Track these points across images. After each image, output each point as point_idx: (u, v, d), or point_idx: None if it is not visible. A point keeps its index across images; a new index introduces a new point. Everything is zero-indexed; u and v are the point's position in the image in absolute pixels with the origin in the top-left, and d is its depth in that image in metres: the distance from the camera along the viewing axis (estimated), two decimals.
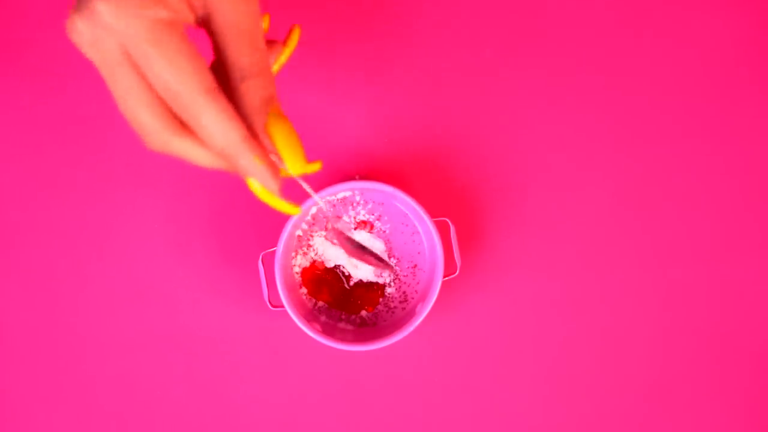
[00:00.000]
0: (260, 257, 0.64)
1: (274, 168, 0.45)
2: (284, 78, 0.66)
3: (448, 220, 0.64)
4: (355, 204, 0.66)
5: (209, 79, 0.43)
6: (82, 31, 0.42)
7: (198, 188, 0.67)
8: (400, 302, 0.66)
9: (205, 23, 0.44)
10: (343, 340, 0.62)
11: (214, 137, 0.43)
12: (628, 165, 0.68)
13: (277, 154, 0.45)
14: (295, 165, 0.46)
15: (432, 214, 0.64)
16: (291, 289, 0.64)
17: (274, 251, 0.63)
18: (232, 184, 0.67)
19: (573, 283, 0.68)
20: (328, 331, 0.64)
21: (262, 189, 0.46)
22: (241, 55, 0.44)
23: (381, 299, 0.66)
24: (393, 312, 0.66)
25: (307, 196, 0.60)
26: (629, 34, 0.67)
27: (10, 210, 0.66)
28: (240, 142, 0.44)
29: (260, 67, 0.45)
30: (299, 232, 0.66)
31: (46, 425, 0.66)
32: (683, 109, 0.68)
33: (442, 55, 0.68)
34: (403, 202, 0.63)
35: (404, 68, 0.68)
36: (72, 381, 0.66)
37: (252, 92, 0.45)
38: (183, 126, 0.44)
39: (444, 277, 0.63)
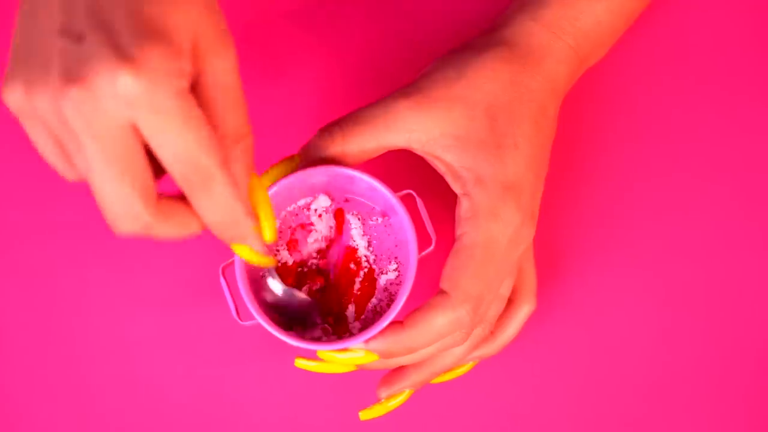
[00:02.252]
0: (221, 269, 0.60)
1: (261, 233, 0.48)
2: None
3: (412, 192, 0.60)
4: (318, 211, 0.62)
5: (222, 150, 0.43)
6: (78, 103, 0.40)
7: None
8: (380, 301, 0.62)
9: (192, 87, 0.44)
10: (326, 341, 0.59)
11: (220, 209, 0.44)
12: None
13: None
14: (269, 232, 0.48)
15: (394, 189, 0.60)
16: (259, 299, 0.60)
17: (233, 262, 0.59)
18: None
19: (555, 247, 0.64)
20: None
21: (249, 251, 0.48)
22: (231, 117, 0.45)
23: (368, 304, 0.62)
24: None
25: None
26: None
27: (10, 210, 0.68)
28: (243, 211, 0.45)
29: (247, 128, 0.46)
30: None
31: (45, 426, 0.67)
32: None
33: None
34: (364, 188, 0.59)
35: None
36: (68, 382, 0.67)
37: (242, 156, 0.45)
38: (164, 206, 0.44)
39: (420, 252, 0.58)
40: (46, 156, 0.45)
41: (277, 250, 0.62)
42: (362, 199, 0.62)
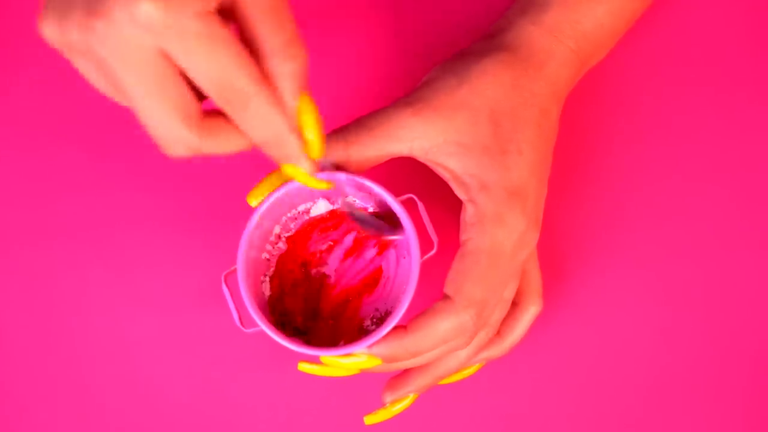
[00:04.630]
0: (223, 277, 0.60)
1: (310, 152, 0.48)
2: None
3: (414, 196, 0.60)
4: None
5: (257, 67, 0.44)
6: (104, 35, 0.41)
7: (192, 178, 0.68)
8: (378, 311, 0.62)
9: (227, 7, 0.44)
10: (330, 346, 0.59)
11: (262, 127, 0.45)
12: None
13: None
14: (315, 149, 0.48)
15: (395, 194, 0.60)
16: (262, 305, 0.60)
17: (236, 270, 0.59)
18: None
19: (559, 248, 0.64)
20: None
21: (298, 171, 0.49)
22: (274, 35, 0.44)
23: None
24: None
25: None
26: None
27: (11, 210, 0.68)
28: (287, 132, 0.46)
29: (296, 44, 0.45)
30: (266, 255, 0.62)
31: (45, 426, 0.67)
32: None
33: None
34: (365, 193, 0.60)
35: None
36: (67, 383, 0.67)
37: (290, 73, 0.45)
38: (209, 125, 0.45)
39: (422, 256, 0.58)
40: (96, 86, 0.46)
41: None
42: (364, 203, 0.62)
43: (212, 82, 0.43)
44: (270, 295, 0.62)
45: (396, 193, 0.59)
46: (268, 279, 0.62)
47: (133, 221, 0.68)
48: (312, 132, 0.48)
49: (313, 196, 0.62)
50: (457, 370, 0.60)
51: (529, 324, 0.61)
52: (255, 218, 0.58)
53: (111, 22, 0.41)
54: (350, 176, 0.58)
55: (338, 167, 0.58)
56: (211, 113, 0.46)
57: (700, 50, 0.69)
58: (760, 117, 0.68)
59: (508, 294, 0.59)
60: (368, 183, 0.58)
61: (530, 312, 0.61)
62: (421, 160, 0.58)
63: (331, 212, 0.63)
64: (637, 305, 0.66)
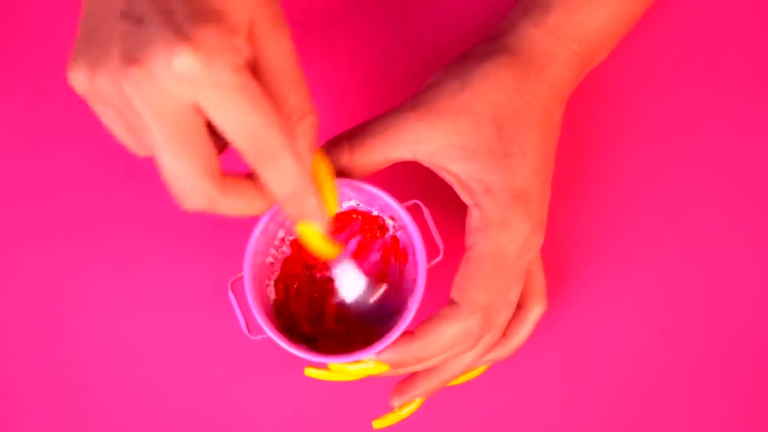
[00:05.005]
0: (229, 284, 0.60)
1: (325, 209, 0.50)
2: None
3: (419, 202, 0.60)
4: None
5: (285, 123, 0.46)
6: (138, 84, 0.42)
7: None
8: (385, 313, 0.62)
9: (250, 64, 0.45)
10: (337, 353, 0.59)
11: (287, 182, 0.46)
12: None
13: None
14: (332, 208, 0.50)
15: (400, 200, 0.60)
16: (268, 309, 0.60)
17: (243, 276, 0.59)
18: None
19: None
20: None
21: (312, 232, 0.50)
22: (293, 96, 0.46)
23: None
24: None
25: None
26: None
27: (10, 210, 0.68)
28: (309, 187, 0.47)
29: (310, 106, 0.47)
30: (270, 260, 0.62)
31: (45, 427, 0.67)
32: None
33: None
34: (371, 199, 0.60)
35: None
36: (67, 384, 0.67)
37: (305, 133, 0.47)
38: (229, 183, 0.46)
39: (428, 262, 0.59)
40: (116, 134, 0.47)
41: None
42: (368, 207, 0.62)
43: (245, 136, 0.44)
44: (275, 300, 0.62)
45: (401, 199, 0.59)
46: (272, 283, 0.62)
47: (135, 223, 0.68)
48: (328, 189, 0.50)
49: None
50: (464, 373, 0.61)
51: (535, 324, 0.61)
52: (261, 225, 0.58)
53: (149, 70, 0.42)
54: (356, 182, 0.58)
55: (342, 173, 0.58)
56: (231, 174, 0.47)
57: (701, 51, 0.69)
58: (761, 118, 0.68)
59: (513, 296, 0.59)
60: (374, 190, 0.58)
61: (535, 312, 0.61)
62: (425, 164, 0.58)
63: (335, 216, 0.63)
64: (639, 306, 0.67)
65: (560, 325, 0.66)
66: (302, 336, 0.62)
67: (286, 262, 0.63)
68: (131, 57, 0.42)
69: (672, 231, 0.67)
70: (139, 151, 0.47)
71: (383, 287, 0.62)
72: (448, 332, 0.55)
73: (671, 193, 0.67)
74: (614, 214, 0.67)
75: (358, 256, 0.63)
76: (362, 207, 0.62)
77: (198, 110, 0.43)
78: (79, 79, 0.45)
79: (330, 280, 0.63)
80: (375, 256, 0.63)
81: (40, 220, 0.69)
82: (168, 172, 0.44)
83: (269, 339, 0.58)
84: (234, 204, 0.47)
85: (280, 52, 0.46)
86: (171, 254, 0.68)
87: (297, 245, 0.63)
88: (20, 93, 0.69)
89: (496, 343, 0.61)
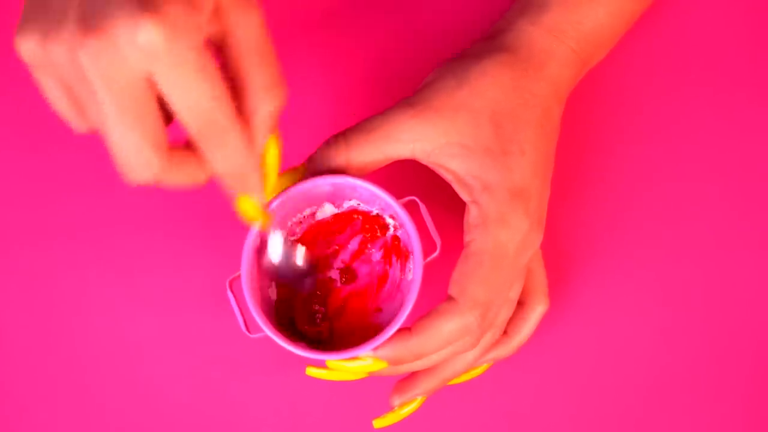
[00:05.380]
0: (227, 283, 0.60)
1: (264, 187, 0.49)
2: None
3: (416, 198, 0.60)
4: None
5: (234, 103, 0.45)
6: (96, 54, 0.41)
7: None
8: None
9: (216, 41, 0.46)
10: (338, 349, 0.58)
11: (230, 161, 0.45)
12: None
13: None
14: (270, 191, 0.50)
15: (396, 196, 0.60)
16: (269, 310, 0.60)
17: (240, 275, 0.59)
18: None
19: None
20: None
21: (252, 205, 0.49)
22: (260, 73, 0.46)
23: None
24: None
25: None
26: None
27: (10, 210, 0.69)
28: (253, 168, 0.47)
29: (277, 85, 0.46)
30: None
31: (45, 427, 0.67)
32: None
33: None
34: (367, 196, 0.60)
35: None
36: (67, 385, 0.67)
37: (267, 113, 0.47)
38: (174, 155, 0.45)
39: (425, 258, 0.59)
40: (57, 107, 0.46)
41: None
42: (368, 207, 0.62)
43: (194, 114, 0.43)
44: (276, 300, 0.62)
45: (398, 195, 0.59)
46: (274, 284, 0.63)
47: (135, 222, 0.69)
48: (272, 172, 0.50)
49: (318, 200, 0.62)
50: (465, 372, 0.61)
51: (537, 323, 0.61)
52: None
53: (110, 41, 0.41)
54: (351, 179, 0.58)
55: (340, 171, 0.58)
56: (176, 146, 0.47)
57: (701, 51, 0.69)
58: (761, 118, 0.68)
59: (514, 294, 0.59)
60: (370, 186, 0.58)
61: (537, 311, 0.61)
62: (424, 162, 0.58)
63: (336, 216, 0.63)
64: (640, 305, 0.66)
65: (561, 324, 0.66)
66: (302, 335, 0.62)
67: None
68: (91, 25, 0.41)
69: (672, 230, 0.67)
70: (81, 125, 0.46)
71: (302, 248, 0.62)
72: (445, 328, 0.55)
73: (671, 192, 0.67)
74: (614, 213, 0.67)
75: (359, 256, 0.63)
76: (363, 207, 0.62)
77: (151, 83, 0.42)
78: (28, 46, 0.43)
79: (331, 280, 0.63)
80: (376, 256, 0.63)
81: (40, 220, 0.69)
82: (117, 145, 0.44)
83: (269, 338, 0.58)
84: (177, 176, 0.46)
85: (247, 28, 0.45)
86: (170, 253, 0.68)
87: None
88: (20, 93, 0.70)
89: (498, 342, 0.61)
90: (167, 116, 0.47)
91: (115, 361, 0.68)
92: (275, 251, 0.60)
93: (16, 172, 0.69)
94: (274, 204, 0.58)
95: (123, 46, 0.41)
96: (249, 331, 0.60)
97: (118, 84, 0.42)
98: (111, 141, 0.44)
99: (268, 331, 0.57)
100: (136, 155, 0.44)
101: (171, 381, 0.67)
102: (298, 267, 0.61)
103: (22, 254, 0.69)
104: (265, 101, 0.46)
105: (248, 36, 0.45)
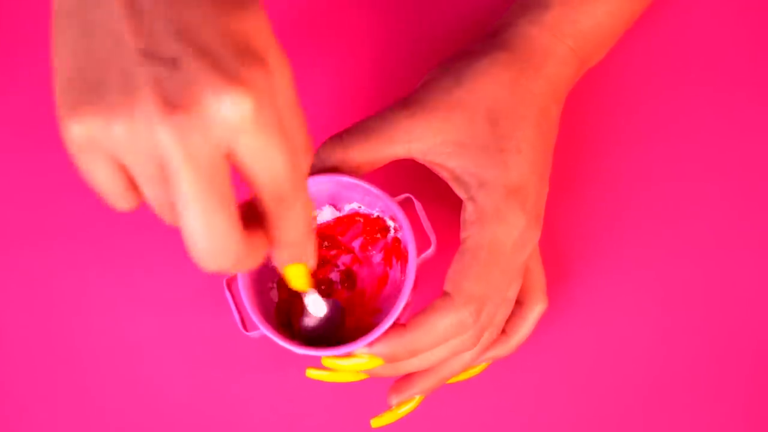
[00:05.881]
0: (224, 282, 0.60)
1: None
2: None
3: (411, 196, 0.60)
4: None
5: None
6: (182, 130, 0.38)
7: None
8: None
9: None
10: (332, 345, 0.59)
11: (297, 229, 0.44)
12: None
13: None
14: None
15: (392, 194, 0.60)
16: (270, 312, 0.60)
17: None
18: None
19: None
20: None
21: (299, 271, 0.48)
22: (298, 134, 0.43)
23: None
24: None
25: None
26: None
27: (10, 210, 0.68)
28: (312, 232, 0.45)
29: (309, 142, 0.44)
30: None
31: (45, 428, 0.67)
32: None
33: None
34: (363, 194, 0.60)
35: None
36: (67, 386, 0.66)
37: (305, 169, 0.44)
38: (249, 236, 0.43)
39: (419, 255, 0.59)
40: (103, 188, 0.42)
41: None
42: (369, 210, 0.62)
43: (274, 182, 0.41)
44: (278, 302, 0.62)
45: (393, 193, 0.59)
46: (276, 285, 0.63)
47: (135, 222, 0.69)
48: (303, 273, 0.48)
49: (318, 203, 0.62)
50: (463, 371, 0.60)
51: (535, 322, 0.61)
52: None
53: (196, 115, 0.38)
54: (344, 177, 0.58)
55: (337, 171, 0.59)
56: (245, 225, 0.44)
57: (700, 50, 0.69)
58: (760, 117, 0.68)
59: (512, 293, 0.59)
60: (365, 184, 0.58)
61: (536, 310, 0.61)
62: (420, 161, 0.58)
63: (338, 219, 0.63)
64: (639, 305, 0.66)
65: (560, 323, 0.66)
66: (301, 335, 0.62)
67: None
68: (173, 101, 0.38)
69: (671, 230, 0.67)
70: (128, 204, 0.43)
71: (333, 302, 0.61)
72: (441, 323, 0.55)
73: (670, 191, 0.67)
74: (613, 212, 0.67)
75: (361, 258, 0.63)
76: (364, 209, 0.62)
77: (227, 158, 0.40)
78: (84, 129, 0.39)
79: (332, 282, 0.63)
80: (377, 257, 0.63)
81: (40, 220, 0.69)
82: (196, 230, 0.40)
83: (267, 337, 0.58)
84: (253, 259, 0.43)
85: (286, 87, 0.41)
86: (169, 253, 0.68)
87: None
88: (20, 93, 0.70)
89: (497, 341, 0.61)
90: None
91: (114, 361, 0.68)
92: (316, 308, 0.59)
93: (16, 172, 0.70)
94: None
95: (211, 121, 0.38)
96: (246, 329, 0.60)
97: (202, 162, 0.39)
98: (189, 226, 0.40)
99: (263, 328, 0.57)
100: (218, 241, 0.40)
101: (170, 380, 0.67)
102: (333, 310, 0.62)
103: (22, 254, 0.69)
104: (305, 162, 0.44)
105: (288, 96, 0.42)
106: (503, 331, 0.61)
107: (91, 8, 0.40)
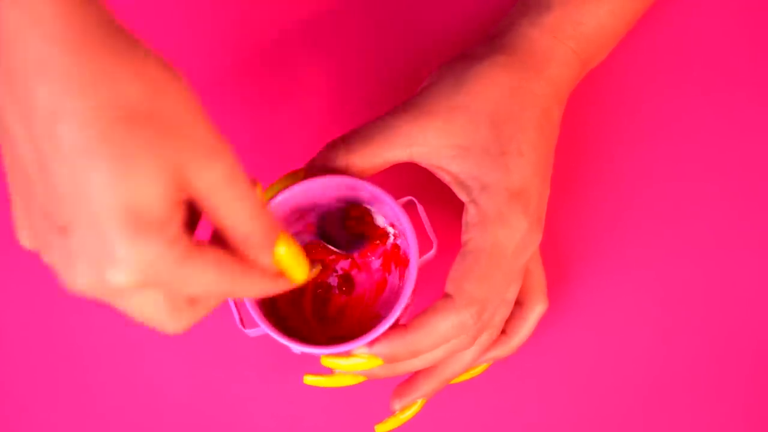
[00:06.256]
0: None
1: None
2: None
3: (413, 198, 0.60)
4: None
5: (237, 258, 0.46)
6: (98, 294, 0.43)
7: None
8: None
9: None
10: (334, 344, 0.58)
11: (254, 292, 0.47)
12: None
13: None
14: (303, 274, 0.49)
15: (394, 196, 0.60)
16: (264, 306, 0.60)
17: None
18: None
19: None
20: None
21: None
22: (253, 224, 0.45)
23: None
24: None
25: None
26: None
27: (10, 210, 0.66)
28: (278, 283, 0.48)
29: (274, 235, 0.46)
30: None
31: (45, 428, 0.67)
32: None
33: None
34: (366, 197, 0.60)
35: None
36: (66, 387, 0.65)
37: (258, 245, 0.46)
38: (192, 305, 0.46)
39: (420, 257, 0.58)
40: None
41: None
42: (384, 222, 0.62)
43: (209, 289, 0.44)
44: (277, 306, 0.62)
45: (396, 196, 0.59)
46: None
47: None
48: (299, 264, 0.48)
49: (322, 206, 0.62)
50: (463, 372, 0.60)
51: (535, 323, 0.61)
52: None
53: (88, 287, 0.42)
54: (350, 179, 0.58)
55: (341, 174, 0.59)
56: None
57: (701, 51, 0.69)
58: (761, 118, 0.68)
59: (511, 295, 0.58)
60: (370, 186, 0.58)
61: (536, 311, 0.61)
62: (423, 165, 0.58)
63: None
64: (639, 305, 0.66)
65: (560, 324, 0.66)
66: (302, 339, 0.62)
67: None
68: (68, 274, 0.42)
69: (671, 230, 0.67)
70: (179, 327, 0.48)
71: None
72: (441, 325, 0.55)
73: (671, 192, 0.67)
74: (614, 213, 0.67)
75: (359, 263, 0.63)
76: (379, 217, 0.62)
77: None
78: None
79: (330, 286, 0.63)
80: (375, 263, 0.63)
81: None
82: (165, 331, 0.46)
83: (268, 337, 0.58)
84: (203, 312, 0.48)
85: (213, 185, 0.43)
86: None
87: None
88: None
89: (497, 342, 0.61)
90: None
91: (112, 360, 0.67)
92: None
93: None
94: (275, 201, 0.58)
95: (102, 291, 0.42)
96: (244, 327, 0.60)
97: (132, 306, 0.44)
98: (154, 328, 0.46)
99: (263, 325, 0.57)
100: (173, 328, 0.46)
101: (168, 379, 0.67)
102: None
103: (22, 254, 0.69)
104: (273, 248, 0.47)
105: (224, 193, 0.44)
106: (504, 332, 0.61)
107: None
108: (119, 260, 0.41)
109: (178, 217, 0.42)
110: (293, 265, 0.48)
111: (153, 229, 0.41)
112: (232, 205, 0.44)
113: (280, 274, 0.48)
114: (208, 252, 0.44)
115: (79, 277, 0.42)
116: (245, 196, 0.44)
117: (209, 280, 0.44)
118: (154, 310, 0.44)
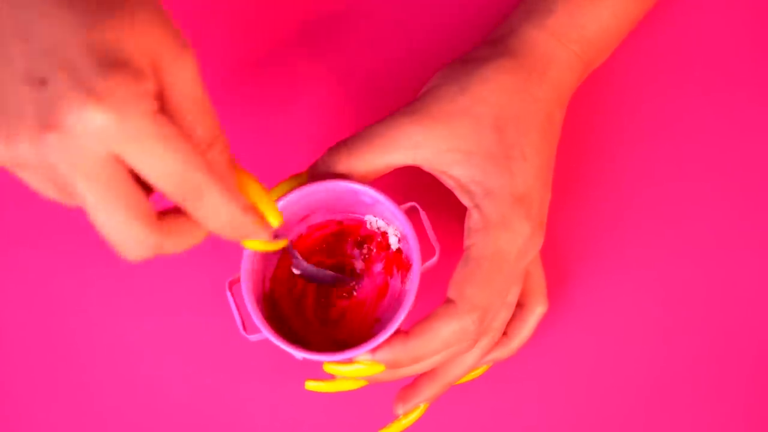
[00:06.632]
0: (227, 284, 0.60)
1: (264, 221, 0.48)
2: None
3: (416, 204, 0.60)
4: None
5: (205, 159, 0.44)
6: (57, 147, 0.41)
7: None
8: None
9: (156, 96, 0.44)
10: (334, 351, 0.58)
11: (218, 215, 0.45)
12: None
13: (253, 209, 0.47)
14: (273, 219, 0.48)
15: (397, 202, 0.60)
16: (267, 308, 0.60)
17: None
18: None
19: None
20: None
21: (260, 243, 0.49)
22: (202, 124, 0.44)
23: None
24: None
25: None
26: None
27: (10, 210, 0.68)
28: (242, 214, 0.46)
29: (219, 130, 0.45)
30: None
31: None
32: None
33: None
34: (369, 202, 0.60)
35: None
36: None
37: (219, 158, 0.45)
38: (166, 224, 0.45)
39: (423, 263, 0.58)
40: (44, 193, 0.45)
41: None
42: (378, 220, 0.62)
43: (168, 180, 0.43)
44: (279, 308, 0.62)
45: (398, 202, 0.59)
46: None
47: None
48: (265, 204, 0.48)
49: (324, 210, 0.62)
50: (465, 375, 0.60)
51: (536, 325, 0.61)
52: None
53: (64, 133, 0.40)
54: (350, 183, 0.58)
55: (344, 178, 0.59)
56: (165, 212, 0.46)
57: (702, 52, 0.68)
58: (762, 118, 0.68)
59: (512, 298, 0.59)
60: (372, 191, 0.58)
61: (536, 312, 0.61)
62: (425, 169, 0.58)
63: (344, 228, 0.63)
64: (639, 306, 0.66)
65: (561, 326, 0.66)
66: (303, 344, 0.62)
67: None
68: (44, 122, 0.41)
69: (672, 232, 0.67)
70: (72, 204, 0.45)
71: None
72: (444, 330, 0.55)
73: (671, 193, 0.67)
74: (614, 214, 0.67)
75: (363, 268, 0.63)
76: (377, 223, 0.62)
77: (120, 160, 0.42)
78: None
79: (331, 291, 0.63)
80: (377, 267, 0.63)
81: (40, 220, 0.69)
82: (104, 228, 0.43)
83: (269, 342, 0.58)
84: (175, 244, 0.45)
85: (184, 80, 0.44)
86: (176, 258, 0.68)
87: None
88: None
89: (498, 344, 0.61)
90: (148, 186, 0.46)
91: (113, 362, 0.68)
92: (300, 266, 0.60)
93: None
94: (278, 205, 0.58)
95: (78, 136, 0.40)
96: (247, 332, 0.60)
97: (87, 172, 0.41)
98: (98, 225, 0.43)
99: (265, 331, 0.57)
100: (127, 234, 0.43)
101: (169, 382, 0.67)
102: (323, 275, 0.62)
103: (22, 254, 0.69)
104: (215, 147, 0.45)
105: (186, 90, 0.44)
106: (504, 333, 0.61)
107: None
108: (98, 92, 0.40)
109: (152, 87, 0.42)
110: (262, 202, 0.48)
111: (129, 73, 0.41)
112: (196, 106, 0.44)
113: (251, 207, 0.47)
114: (176, 132, 0.43)
115: (61, 116, 0.40)
116: (207, 100, 0.44)
117: (174, 159, 0.42)
118: (119, 196, 0.42)
